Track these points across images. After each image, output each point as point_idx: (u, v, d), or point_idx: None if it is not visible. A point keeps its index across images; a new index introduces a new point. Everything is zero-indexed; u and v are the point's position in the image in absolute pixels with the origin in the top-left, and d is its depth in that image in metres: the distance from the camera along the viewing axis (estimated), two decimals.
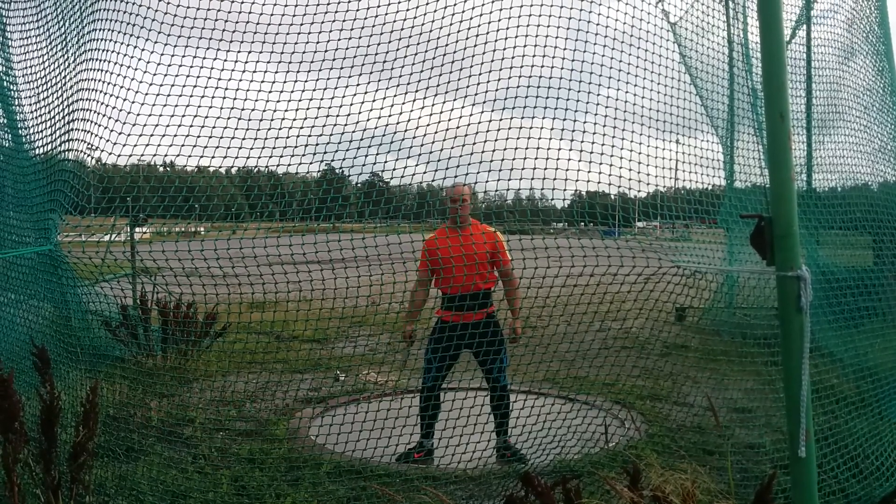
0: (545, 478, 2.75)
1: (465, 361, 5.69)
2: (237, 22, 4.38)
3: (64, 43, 4.70)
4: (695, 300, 5.08)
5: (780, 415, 5.08)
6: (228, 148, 4.46)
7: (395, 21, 4.49)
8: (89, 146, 4.36)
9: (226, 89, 4.38)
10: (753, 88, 6.24)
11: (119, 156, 4.29)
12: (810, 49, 6.46)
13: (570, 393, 6.77)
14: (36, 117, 4.87)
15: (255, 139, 4.52)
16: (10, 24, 5.00)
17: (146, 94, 4.20)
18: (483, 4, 4.35)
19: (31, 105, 4.93)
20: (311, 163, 4.88)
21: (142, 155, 4.33)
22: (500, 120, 4.37)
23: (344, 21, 4.46)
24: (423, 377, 5.50)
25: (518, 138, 4.31)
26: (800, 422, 2.50)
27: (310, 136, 4.60)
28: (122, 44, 4.31)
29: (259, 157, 4.55)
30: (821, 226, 6.12)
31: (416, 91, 4.51)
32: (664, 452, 5.07)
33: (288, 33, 4.43)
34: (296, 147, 4.56)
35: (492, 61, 4.42)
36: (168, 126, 4.27)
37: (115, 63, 4.28)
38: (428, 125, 4.49)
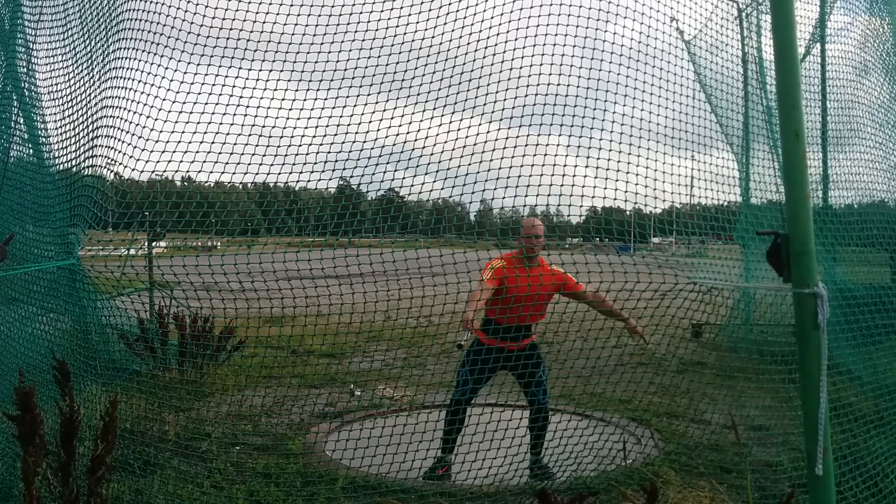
0: (561, 495, 2.74)
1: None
2: (258, 41, 4.46)
3: (89, 61, 4.79)
4: (711, 317, 5.07)
5: (798, 433, 5.06)
6: (249, 164, 4.52)
7: (413, 40, 4.55)
8: (111, 161, 4.43)
9: (247, 106, 4.45)
10: (768, 105, 6.25)
11: (142, 171, 4.36)
12: (825, 66, 6.47)
13: (586, 409, 6.75)
14: (59, 133, 4.96)
15: (276, 155, 4.58)
16: (37, 43, 5.10)
17: (169, 111, 4.27)
18: (500, 25, 4.40)
19: (55, 121, 5.02)
20: (330, 179, 4.94)
21: (164, 171, 4.40)
22: (517, 137, 4.41)
23: (363, 40, 4.53)
24: (455, 391, 5.48)
25: (535, 155, 4.35)
26: (818, 439, 2.49)
27: (329, 152, 4.65)
28: (144, 61, 4.39)
29: (279, 174, 4.60)
30: (837, 242, 6.10)
31: (434, 108, 4.56)
32: (681, 470, 5.05)
33: (308, 52, 4.49)
34: (315, 163, 4.61)
35: (508, 79, 4.46)
36: (190, 143, 4.34)
37: (138, 80, 4.36)
38: (446, 142, 4.53)
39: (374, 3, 4.57)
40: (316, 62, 4.53)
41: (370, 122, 4.63)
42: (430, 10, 4.53)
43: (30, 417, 2.93)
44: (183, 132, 4.30)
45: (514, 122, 4.62)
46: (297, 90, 4.62)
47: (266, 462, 5.39)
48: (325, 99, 4.60)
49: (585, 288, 5.19)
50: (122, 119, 4.39)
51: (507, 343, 5.26)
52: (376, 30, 4.53)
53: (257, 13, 4.43)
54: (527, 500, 4.61)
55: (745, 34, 6.84)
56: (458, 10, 4.50)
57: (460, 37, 4.48)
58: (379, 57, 4.58)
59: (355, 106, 4.60)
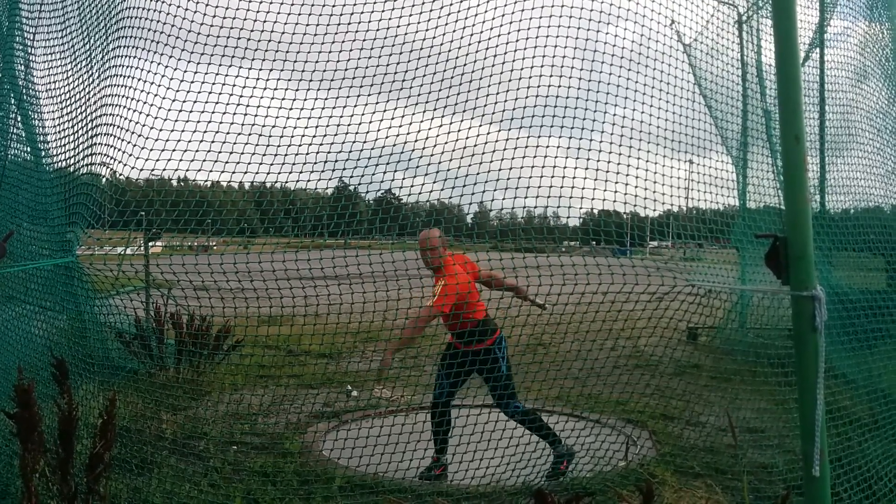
0: (558, 495, 2.75)
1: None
2: (258, 41, 4.46)
3: (88, 59, 4.79)
4: (708, 319, 5.08)
5: (793, 435, 5.08)
6: (248, 164, 4.52)
7: (413, 41, 4.56)
8: (110, 160, 4.43)
9: (246, 106, 4.46)
10: (766, 110, 6.27)
11: (141, 170, 4.36)
12: (823, 71, 6.50)
13: (582, 411, 6.76)
14: (58, 132, 4.95)
15: (274, 155, 4.58)
16: (35, 41, 5.09)
17: (169, 109, 4.27)
18: (501, 26, 4.41)
19: (53, 120, 5.01)
20: (329, 179, 4.94)
21: (162, 170, 4.40)
22: (517, 139, 4.42)
23: (363, 41, 4.54)
24: (433, 392, 5.53)
25: (533, 157, 4.36)
26: (814, 441, 2.50)
27: (329, 152, 4.66)
28: (144, 60, 4.40)
29: (278, 173, 4.60)
30: (834, 247, 6.12)
31: (435, 110, 4.57)
32: (677, 472, 5.06)
33: (308, 52, 4.50)
34: (315, 163, 4.61)
35: (509, 80, 4.48)
36: (189, 142, 4.35)
37: (137, 79, 4.37)
38: (446, 143, 4.54)
39: (374, 3, 4.58)
40: (316, 62, 4.54)
41: (369, 122, 4.64)
42: (430, 11, 4.55)
43: (29, 415, 2.93)
44: (182, 131, 4.31)
45: (512, 124, 4.64)
46: (296, 90, 4.63)
47: (263, 461, 5.38)
48: (325, 99, 4.61)
49: (418, 311, 5.19)
50: (120, 118, 4.39)
51: (462, 344, 5.34)
52: (376, 30, 4.54)
53: (257, 13, 4.44)
54: (523, 501, 4.62)
55: (745, 38, 6.86)
56: (458, 11, 4.52)
57: (461, 38, 4.49)
58: (379, 57, 4.59)
59: (355, 106, 4.62)
